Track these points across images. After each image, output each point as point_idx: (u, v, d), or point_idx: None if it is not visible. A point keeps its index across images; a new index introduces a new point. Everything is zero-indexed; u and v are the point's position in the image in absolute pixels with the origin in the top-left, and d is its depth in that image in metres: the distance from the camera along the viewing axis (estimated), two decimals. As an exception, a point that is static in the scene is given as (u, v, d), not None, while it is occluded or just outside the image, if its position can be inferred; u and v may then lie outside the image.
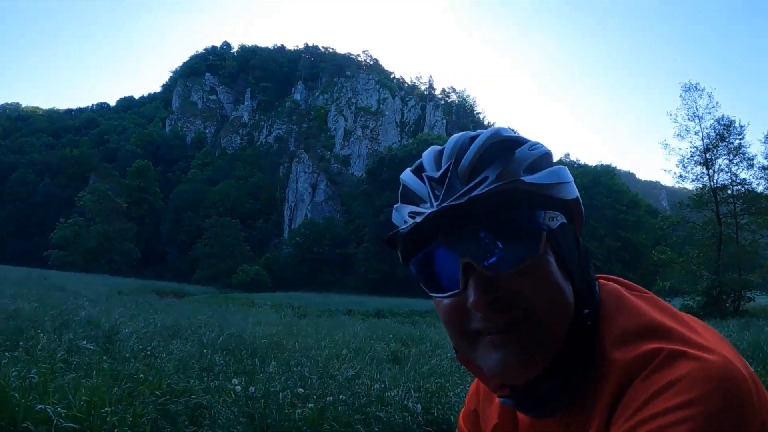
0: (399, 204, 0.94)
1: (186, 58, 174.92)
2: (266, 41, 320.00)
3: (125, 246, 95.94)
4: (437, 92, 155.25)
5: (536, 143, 0.93)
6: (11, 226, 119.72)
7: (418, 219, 0.83)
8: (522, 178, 0.85)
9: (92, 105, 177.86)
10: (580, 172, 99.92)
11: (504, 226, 0.84)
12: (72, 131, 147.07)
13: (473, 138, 0.93)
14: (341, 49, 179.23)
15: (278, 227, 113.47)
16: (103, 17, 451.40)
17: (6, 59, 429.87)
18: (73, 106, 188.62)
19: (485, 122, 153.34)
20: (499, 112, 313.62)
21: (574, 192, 0.96)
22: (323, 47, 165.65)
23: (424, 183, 0.90)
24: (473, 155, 0.88)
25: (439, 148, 0.95)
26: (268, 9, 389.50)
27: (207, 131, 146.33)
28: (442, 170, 0.89)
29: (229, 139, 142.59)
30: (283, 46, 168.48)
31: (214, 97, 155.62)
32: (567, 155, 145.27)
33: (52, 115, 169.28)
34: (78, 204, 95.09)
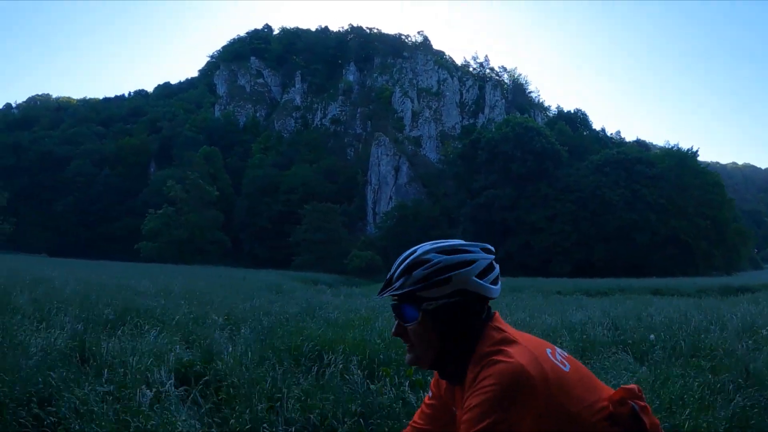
0: None
1: (224, 42, 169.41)
2: (306, 23, 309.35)
3: (216, 235, 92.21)
4: (487, 72, 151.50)
5: (433, 262, 1.98)
6: (72, 218, 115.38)
7: (376, 295, 2.22)
8: (410, 288, 1.97)
9: (129, 92, 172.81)
10: (667, 153, 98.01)
11: (404, 309, 2.02)
12: (119, 120, 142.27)
13: (404, 258, 2.03)
14: (386, 29, 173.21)
15: (361, 210, 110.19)
16: (130, 4, 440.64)
17: (33, 50, 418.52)
18: (108, 95, 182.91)
19: (540, 101, 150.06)
20: (551, 89, 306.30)
21: (450, 288, 1.97)
22: (368, 28, 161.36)
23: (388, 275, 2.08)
24: (397, 273, 2.01)
25: (400, 257, 2.06)
26: None
27: (258, 115, 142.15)
28: (389, 276, 2.04)
29: (283, 122, 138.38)
30: (327, 28, 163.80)
31: (261, 80, 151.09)
32: (638, 139, 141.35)
33: (91, 104, 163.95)
34: (168, 194, 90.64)
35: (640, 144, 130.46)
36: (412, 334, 2.02)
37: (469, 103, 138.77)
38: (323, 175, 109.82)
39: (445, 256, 1.97)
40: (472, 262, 1.98)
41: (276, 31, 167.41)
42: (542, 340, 2.07)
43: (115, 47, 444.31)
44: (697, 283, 41.41)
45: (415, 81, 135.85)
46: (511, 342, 1.93)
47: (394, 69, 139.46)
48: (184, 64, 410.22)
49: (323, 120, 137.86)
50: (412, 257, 2.01)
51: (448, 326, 2.00)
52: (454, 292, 1.96)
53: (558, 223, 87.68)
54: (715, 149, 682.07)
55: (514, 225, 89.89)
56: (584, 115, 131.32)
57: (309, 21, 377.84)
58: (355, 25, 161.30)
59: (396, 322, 2.06)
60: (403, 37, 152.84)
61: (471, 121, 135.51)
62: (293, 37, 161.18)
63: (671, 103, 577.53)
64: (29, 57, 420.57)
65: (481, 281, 1.98)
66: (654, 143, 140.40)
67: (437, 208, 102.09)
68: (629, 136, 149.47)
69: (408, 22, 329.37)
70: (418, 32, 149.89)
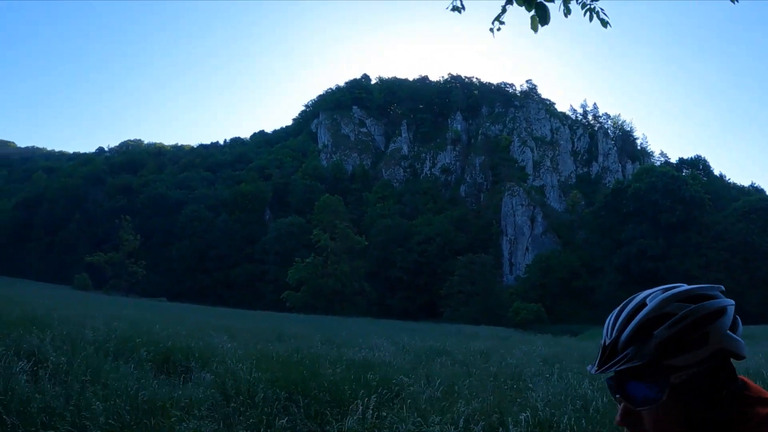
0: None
1: (318, 91, 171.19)
2: (396, 72, 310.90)
3: (362, 285, 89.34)
4: (590, 119, 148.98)
5: (681, 315, 1.36)
6: (189, 262, 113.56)
7: (591, 370, 1.43)
8: (652, 356, 1.33)
9: (226, 140, 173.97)
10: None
11: (641, 383, 1.35)
12: (226, 166, 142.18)
13: (635, 312, 1.41)
14: (483, 78, 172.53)
15: (496, 261, 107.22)
16: (219, 56, 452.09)
17: (125, 98, 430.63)
18: (195, 142, 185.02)
19: (647, 148, 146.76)
20: (657, 133, 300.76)
21: (708, 350, 1.35)
22: (466, 77, 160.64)
23: (600, 343, 1.45)
24: (625, 337, 1.38)
25: (615, 313, 1.47)
26: (395, 40, 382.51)
27: (364, 164, 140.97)
28: (605, 343, 1.42)
29: (392, 171, 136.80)
30: (426, 77, 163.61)
31: (364, 129, 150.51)
32: (752, 184, 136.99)
33: (196, 151, 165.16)
34: (318, 243, 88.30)
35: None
36: (651, 420, 1.38)
37: (582, 152, 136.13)
38: (453, 225, 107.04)
39: (691, 305, 1.39)
40: (722, 310, 1.41)
41: (374, 81, 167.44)
42: None
43: (203, 96, 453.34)
44: None
45: (528, 130, 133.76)
46: None
47: (507, 118, 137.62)
48: (273, 113, 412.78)
49: (432, 169, 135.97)
50: (645, 312, 1.40)
51: (702, 405, 1.36)
52: (711, 355, 1.36)
53: (712, 272, 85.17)
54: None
55: (665, 274, 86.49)
56: (705, 161, 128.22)
57: (397, 70, 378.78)
58: (454, 74, 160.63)
59: (621, 406, 1.43)
60: (506, 85, 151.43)
61: (585, 170, 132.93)
62: (393, 86, 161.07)
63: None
64: (119, 103, 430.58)
65: (734, 335, 1.41)
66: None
67: (576, 258, 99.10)
68: (743, 180, 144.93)
69: (503, 69, 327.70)
70: (526, 81, 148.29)
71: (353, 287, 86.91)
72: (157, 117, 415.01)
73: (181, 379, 10.11)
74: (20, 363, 8.58)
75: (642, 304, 1.40)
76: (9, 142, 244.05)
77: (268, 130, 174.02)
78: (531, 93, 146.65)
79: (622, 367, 1.35)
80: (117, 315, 25.02)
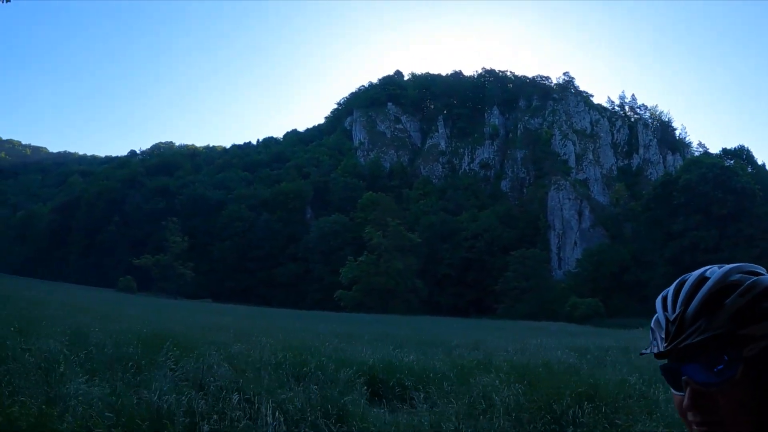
0: (653, 322, 1.33)
1: (349, 89, 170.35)
2: (426, 68, 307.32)
3: (414, 282, 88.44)
4: (628, 110, 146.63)
5: (749, 284, 1.26)
6: (231, 262, 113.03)
7: (653, 350, 1.27)
8: (723, 328, 1.20)
9: (258, 140, 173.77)
10: None
11: (710, 360, 1.20)
12: (262, 165, 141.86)
13: (698, 285, 1.30)
14: (517, 71, 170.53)
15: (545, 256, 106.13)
16: (247, 56, 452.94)
17: (153, 100, 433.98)
18: (224, 143, 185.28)
19: (686, 140, 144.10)
20: (694, 123, 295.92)
21: None
22: (500, 71, 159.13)
23: (662, 320, 1.29)
24: (692, 309, 1.25)
25: (672, 289, 1.35)
26: (424, 35, 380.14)
27: (401, 160, 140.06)
28: (672, 316, 1.27)
29: (430, 167, 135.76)
30: (460, 72, 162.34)
31: (399, 126, 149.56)
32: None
33: (231, 152, 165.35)
34: (371, 241, 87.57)
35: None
36: (725, 400, 1.22)
37: (621, 144, 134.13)
38: (498, 220, 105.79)
39: (752, 277, 1.31)
40: None
41: (406, 77, 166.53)
42: None
43: (232, 96, 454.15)
44: None
45: (569, 123, 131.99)
46: None
47: (546, 111, 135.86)
48: (303, 112, 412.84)
49: (471, 164, 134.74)
50: (711, 282, 1.30)
51: None
52: None
53: (765, 263, 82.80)
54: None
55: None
56: (749, 151, 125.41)
57: (429, 66, 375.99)
58: (487, 68, 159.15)
59: (688, 391, 1.25)
60: (542, 78, 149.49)
61: (625, 162, 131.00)
62: (427, 82, 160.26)
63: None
64: (147, 106, 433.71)
65: None
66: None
67: (625, 252, 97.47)
68: None
69: (537, 62, 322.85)
70: (564, 73, 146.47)
71: (406, 285, 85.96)
72: (186, 119, 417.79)
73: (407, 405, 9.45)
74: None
75: (703, 278, 1.32)
76: (41, 147, 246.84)
77: (301, 128, 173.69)
78: (568, 85, 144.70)
79: (696, 339, 1.21)
80: (216, 324, 24.34)
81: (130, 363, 9.68)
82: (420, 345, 19.74)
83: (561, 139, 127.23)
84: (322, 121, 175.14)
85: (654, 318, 1.06)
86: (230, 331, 18.81)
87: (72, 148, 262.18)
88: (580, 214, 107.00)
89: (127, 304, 43.67)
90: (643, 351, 1.02)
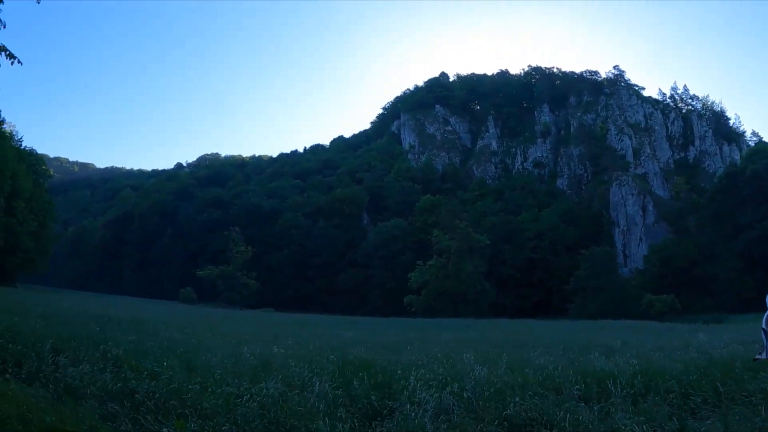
0: (765, 322, 1.53)
1: (393, 93, 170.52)
2: (471, 68, 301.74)
3: (483, 284, 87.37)
4: (679, 102, 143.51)
5: None
6: (289, 271, 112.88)
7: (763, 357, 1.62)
8: None
9: (305, 147, 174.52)
10: None
11: None
12: (313, 173, 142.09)
13: None
14: (564, 67, 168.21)
15: (607, 252, 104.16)
16: (287, 66, 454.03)
17: (197, 113, 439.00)
18: (269, 152, 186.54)
19: (741, 130, 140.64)
20: (743, 111, 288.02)
21: None
22: (546, 68, 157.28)
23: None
24: None
25: None
26: (465, 36, 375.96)
27: (452, 162, 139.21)
28: None
29: (483, 168, 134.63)
30: (507, 71, 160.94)
31: (449, 127, 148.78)
32: None
33: (280, 161, 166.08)
34: (440, 244, 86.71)
35: None
36: None
37: (676, 137, 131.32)
38: (560, 219, 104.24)
39: None
40: None
41: (452, 78, 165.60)
42: None
43: (273, 106, 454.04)
44: None
45: (623, 117, 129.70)
46: None
47: (599, 106, 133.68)
48: (346, 118, 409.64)
49: (524, 164, 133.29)
50: None
51: None
52: None
53: None
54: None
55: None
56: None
57: (473, 67, 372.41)
58: (533, 65, 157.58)
59: None
60: (590, 73, 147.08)
61: (682, 154, 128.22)
62: (473, 82, 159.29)
63: None
64: (191, 119, 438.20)
65: None
66: None
67: (691, 246, 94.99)
68: None
69: (582, 57, 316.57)
70: (613, 67, 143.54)
71: (475, 287, 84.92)
72: (229, 130, 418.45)
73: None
74: None
75: None
76: (89, 163, 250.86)
77: (346, 135, 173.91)
78: (618, 79, 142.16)
79: None
80: (404, 339, 23.57)
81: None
82: (584, 350, 18.59)
83: (617, 134, 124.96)
84: (367, 126, 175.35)
85: (765, 316, 1.16)
86: (470, 348, 17.56)
87: (118, 163, 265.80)
88: (644, 209, 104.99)
89: (213, 318, 42.87)
90: (758, 356, 1.15)
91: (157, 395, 8.83)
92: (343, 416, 8.37)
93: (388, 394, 9.61)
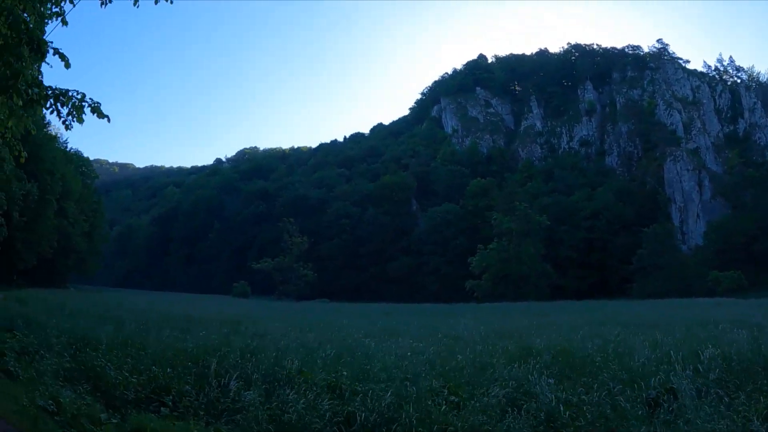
0: None
1: (430, 78, 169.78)
2: (509, 49, 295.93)
3: (544, 266, 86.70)
4: (723, 73, 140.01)
5: None
6: (340, 260, 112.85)
7: None
8: None
9: (345, 136, 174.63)
10: None
11: None
12: (358, 161, 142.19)
13: None
14: (605, 43, 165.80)
15: (665, 230, 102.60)
16: (318, 57, 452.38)
17: (233, 105, 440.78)
18: (308, 143, 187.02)
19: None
20: None
21: None
22: (585, 45, 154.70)
23: None
24: None
25: None
26: (500, 16, 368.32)
27: (497, 144, 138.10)
28: None
29: (529, 149, 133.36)
30: (546, 50, 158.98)
31: (491, 110, 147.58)
32: None
33: (323, 151, 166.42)
34: (500, 227, 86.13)
35: None
36: None
37: (725, 110, 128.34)
38: (614, 197, 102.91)
39: None
40: None
41: (490, 60, 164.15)
42: None
43: (306, 96, 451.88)
44: None
45: (671, 91, 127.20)
46: None
47: (645, 81, 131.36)
48: (381, 105, 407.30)
49: (570, 143, 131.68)
50: None
51: None
52: None
53: None
54: None
55: None
56: None
57: (511, 47, 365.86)
58: (573, 42, 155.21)
59: None
60: (632, 48, 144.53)
61: (731, 128, 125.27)
62: (512, 63, 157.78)
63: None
64: (226, 114, 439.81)
65: None
66: None
67: (750, 221, 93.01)
68: None
69: (619, 32, 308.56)
70: (657, 40, 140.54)
71: (537, 270, 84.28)
72: (264, 122, 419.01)
73: None
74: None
75: None
76: (128, 164, 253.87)
77: (385, 122, 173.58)
78: (662, 53, 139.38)
79: None
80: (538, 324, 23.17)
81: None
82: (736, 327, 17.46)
83: (666, 109, 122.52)
84: (406, 112, 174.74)
85: None
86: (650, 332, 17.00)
87: (158, 162, 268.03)
88: (700, 185, 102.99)
89: (288, 312, 41.74)
90: None
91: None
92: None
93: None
